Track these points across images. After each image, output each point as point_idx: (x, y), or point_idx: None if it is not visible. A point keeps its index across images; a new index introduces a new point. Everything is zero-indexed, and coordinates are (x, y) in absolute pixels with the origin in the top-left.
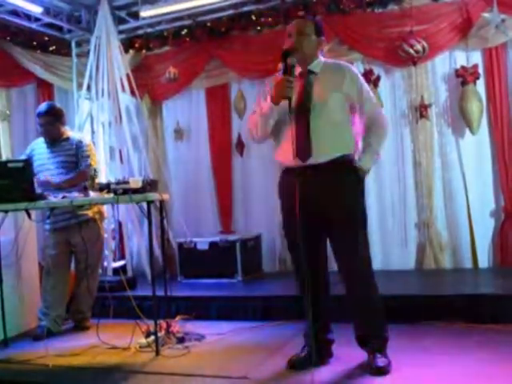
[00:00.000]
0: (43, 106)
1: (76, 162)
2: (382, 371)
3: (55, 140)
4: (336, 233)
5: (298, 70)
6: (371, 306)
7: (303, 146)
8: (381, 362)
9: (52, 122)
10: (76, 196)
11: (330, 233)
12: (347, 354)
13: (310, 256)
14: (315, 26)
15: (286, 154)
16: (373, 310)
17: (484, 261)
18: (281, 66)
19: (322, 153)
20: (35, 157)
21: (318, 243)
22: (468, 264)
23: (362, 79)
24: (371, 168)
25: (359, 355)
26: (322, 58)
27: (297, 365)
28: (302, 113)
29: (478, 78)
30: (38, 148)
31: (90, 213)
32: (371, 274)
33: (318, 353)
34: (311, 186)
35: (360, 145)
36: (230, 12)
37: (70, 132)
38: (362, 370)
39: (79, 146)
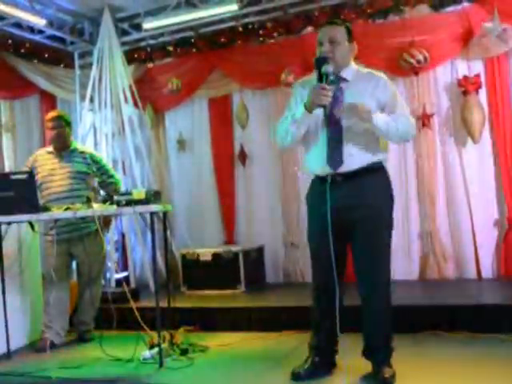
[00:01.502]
0: (54, 111)
1: (86, 173)
2: (388, 382)
3: (64, 148)
4: (362, 242)
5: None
6: (384, 318)
7: (335, 154)
8: (386, 373)
9: (63, 126)
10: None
11: (356, 242)
12: (353, 364)
13: (337, 266)
14: (347, 32)
15: (316, 162)
16: (385, 322)
17: (488, 271)
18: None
19: (354, 160)
20: (39, 168)
21: (343, 252)
22: (471, 274)
23: (394, 88)
24: (372, 121)
25: (363, 366)
26: (354, 65)
27: (301, 376)
28: (334, 121)
29: (479, 88)
30: (42, 159)
31: (92, 225)
32: (389, 287)
33: (324, 364)
34: (342, 194)
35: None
36: (232, 23)
37: (75, 143)
38: (368, 381)
39: (95, 159)
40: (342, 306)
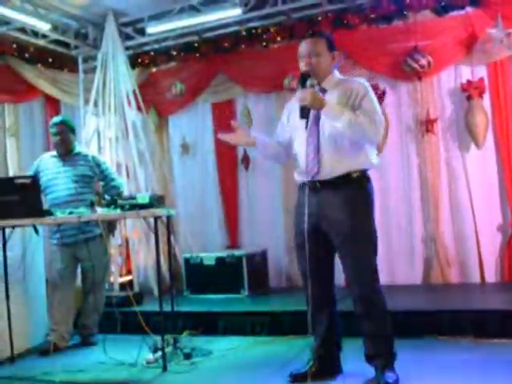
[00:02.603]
0: (58, 117)
1: (90, 177)
2: None
3: (67, 153)
4: (340, 248)
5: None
6: (379, 323)
7: (312, 162)
8: (389, 377)
9: (66, 132)
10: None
11: (337, 248)
12: (356, 369)
13: (318, 269)
14: (327, 43)
15: (298, 170)
16: (380, 327)
17: (491, 275)
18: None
19: (329, 169)
20: (43, 172)
21: (325, 258)
22: (475, 279)
23: (369, 94)
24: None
25: (368, 371)
26: (336, 74)
27: (299, 379)
28: (312, 130)
29: (483, 93)
30: (46, 163)
31: (97, 229)
32: (378, 290)
33: (324, 367)
34: (320, 200)
35: (372, 160)
36: (236, 28)
37: (79, 147)
38: None
39: (98, 162)
40: (333, 311)
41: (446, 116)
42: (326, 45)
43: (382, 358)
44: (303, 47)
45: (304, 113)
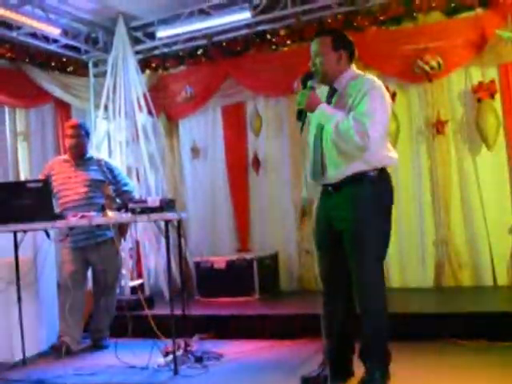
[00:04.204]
0: (74, 120)
1: (102, 181)
2: None
3: (80, 157)
4: (348, 252)
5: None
6: (373, 324)
7: (316, 166)
8: (374, 380)
9: (83, 136)
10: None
11: (345, 250)
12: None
13: (336, 270)
14: (332, 41)
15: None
16: (375, 328)
17: (503, 278)
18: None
19: (336, 171)
20: (55, 176)
21: (343, 258)
22: (487, 281)
23: (373, 94)
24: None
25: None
26: (349, 72)
27: (310, 382)
28: (318, 134)
29: (494, 94)
30: (58, 167)
31: (108, 232)
32: (375, 290)
33: (336, 370)
34: (332, 204)
35: (379, 159)
36: (245, 31)
37: (91, 152)
38: None
39: (110, 167)
40: (350, 313)
41: (457, 118)
42: (330, 44)
43: (369, 356)
44: (311, 47)
45: (301, 116)
